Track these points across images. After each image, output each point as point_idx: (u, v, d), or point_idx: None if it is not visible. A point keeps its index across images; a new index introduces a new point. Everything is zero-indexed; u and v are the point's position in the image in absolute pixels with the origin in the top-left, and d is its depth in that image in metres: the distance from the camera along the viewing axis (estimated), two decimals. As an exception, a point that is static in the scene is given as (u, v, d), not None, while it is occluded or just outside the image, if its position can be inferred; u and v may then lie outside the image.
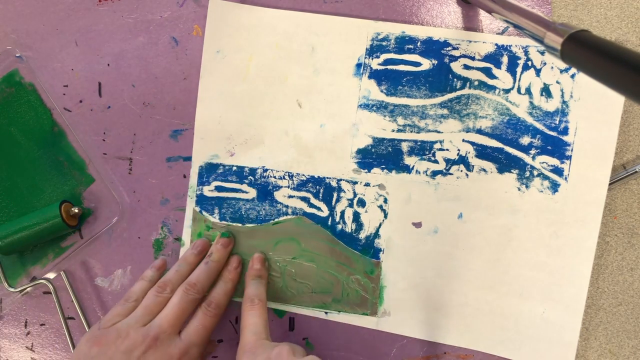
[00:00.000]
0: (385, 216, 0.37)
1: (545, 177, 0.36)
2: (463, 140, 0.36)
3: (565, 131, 0.36)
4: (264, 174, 0.38)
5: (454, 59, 0.36)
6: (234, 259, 0.37)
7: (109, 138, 0.39)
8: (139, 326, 0.31)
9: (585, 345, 0.37)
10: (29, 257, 0.39)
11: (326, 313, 0.37)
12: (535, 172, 0.36)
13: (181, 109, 0.38)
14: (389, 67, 0.37)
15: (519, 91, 0.36)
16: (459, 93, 0.36)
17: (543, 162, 0.36)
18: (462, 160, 0.36)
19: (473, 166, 0.36)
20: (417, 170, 0.37)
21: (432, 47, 0.37)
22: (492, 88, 0.36)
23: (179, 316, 0.32)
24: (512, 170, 0.36)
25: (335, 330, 0.37)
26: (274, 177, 0.38)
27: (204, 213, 0.38)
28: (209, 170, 0.38)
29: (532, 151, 0.36)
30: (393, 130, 0.37)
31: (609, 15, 0.37)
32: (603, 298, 0.37)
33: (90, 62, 0.39)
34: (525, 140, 0.36)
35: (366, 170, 0.37)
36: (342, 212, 0.37)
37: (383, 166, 0.37)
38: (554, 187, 0.36)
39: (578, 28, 0.21)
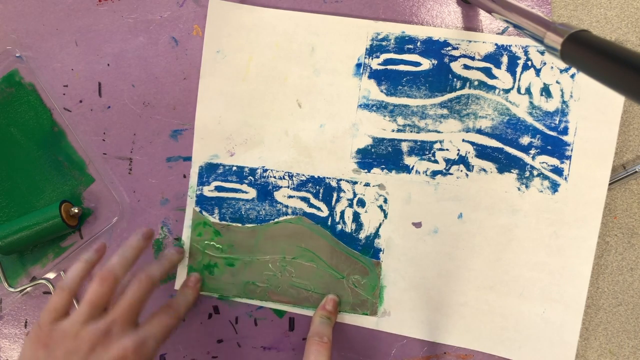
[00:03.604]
0: (385, 216, 0.37)
1: (545, 177, 0.36)
2: (463, 140, 0.36)
3: (565, 131, 0.36)
4: (264, 174, 0.38)
5: (454, 59, 0.36)
6: (193, 276, 0.37)
7: (109, 138, 0.39)
8: (87, 323, 0.28)
9: (585, 345, 0.37)
10: (29, 257, 0.39)
11: (326, 313, 0.37)
12: (535, 172, 0.36)
13: (181, 109, 0.38)
14: (389, 67, 0.37)
15: (518, 91, 0.36)
16: (459, 93, 0.36)
17: (543, 162, 0.36)
18: (462, 160, 0.36)
19: (473, 166, 0.36)
20: (417, 170, 0.37)
21: (432, 47, 0.37)
22: (492, 88, 0.36)
23: (133, 306, 0.29)
24: (512, 170, 0.36)
25: (335, 330, 0.37)
26: (274, 177, 0.38)
27: (204, 213, 0.38)
28: (209, 170, 0.38)
29: (532, 151, 0.36)
30: (393, 130, 0.37)
31: (609, 15, 0.37)
32: (603, 298, 0.37)
33: (90, 62, 0.39)
34: (525, 140, 0.36)
35: (366, 170, 0.37)
36: (342, 212, 0.37)
37: (383, 166, 0.37)
38: (554, 187, 0.36)
39: (578, 28, 0.21)
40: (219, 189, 0.38)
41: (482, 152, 0.36)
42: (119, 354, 0.27)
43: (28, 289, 0.39)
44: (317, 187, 0.37)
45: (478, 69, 0.36)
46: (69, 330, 0.28)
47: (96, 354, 0.27)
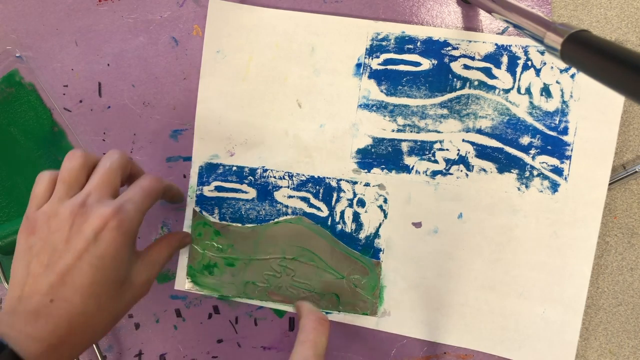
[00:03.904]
0: (385, 216, 0.37)
1: (545, 177, 0.36)
2: (463, 140, 0.36)
3: (565, 131, 0.36)
4: (264, 174, 0.38)
5: (454, 59, 0.36)
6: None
7: (109, 138, 0.39)
8: (64, 200, 0.28)
9: (585, 345, 0.37)
10: (29, 257, 0.39)
11: (326, 313, 0.37)
12: (535, 172, 0.36)
13: (181, 109, 0.38)
14: (389, 67, 0.37)
15: (518, 91, 0.36)
16: (459, 93, 0.36)
17: (543, 162, 0.36)
18: (462, 160, 0.36)
19: (473, 166, 0.36)
20: (417, 170, 0.37)
21: (432, 47, 0.37)
22: (492, 88, 0.36)
23: (108, 177, 0.29)
24: (512, 170, 0.36)
25: (335, 330, 0.37)
26: (274, 177, 0.38)
27: (203, 213, 0.38)
28: (209, 170, 0.38)
29: (532, 151, 0.36)
30: (393, 130, 0.37)
31: (609, 15, 0.37)
32: (603, 298, 0.37)
33: (90, 62, 0.39)
34: (525, 140, 0.36)
35: (366, 170, 0.37)
36: (342, 212, 0.37)
37: (383, 166, 0.37)
38: (554, 187, 0.36)
39: (578, 28, 0.21)
40: (219, 189, 0.38)
41: (482, 152, 0.36)
42: (98, 223, 0.26)
43: (28, 288, 0.39)
44: (317, 187, 0.37)
45: (478, 69, 0.36)
46: (49, 211, 0.28)
47: (76, 226, 0.27)
